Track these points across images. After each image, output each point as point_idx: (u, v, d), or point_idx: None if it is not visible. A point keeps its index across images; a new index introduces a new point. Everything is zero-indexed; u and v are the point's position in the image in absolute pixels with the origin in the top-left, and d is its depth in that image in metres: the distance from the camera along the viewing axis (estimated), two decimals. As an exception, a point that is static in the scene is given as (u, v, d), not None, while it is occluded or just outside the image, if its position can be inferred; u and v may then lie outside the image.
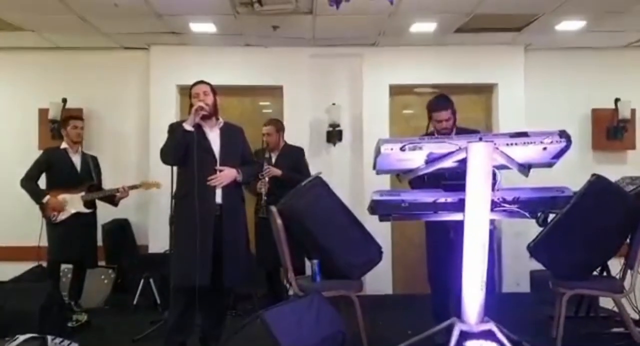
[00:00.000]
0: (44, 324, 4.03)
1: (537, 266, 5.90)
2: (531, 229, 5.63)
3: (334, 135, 6.24)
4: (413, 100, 6.55)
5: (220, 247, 3.81)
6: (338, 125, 6.23)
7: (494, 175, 3.45)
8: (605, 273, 4.38)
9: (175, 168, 4.05)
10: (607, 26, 5.53)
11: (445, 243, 4.03)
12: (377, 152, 3.34)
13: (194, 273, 3.67)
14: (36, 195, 5.03)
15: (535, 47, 6.28)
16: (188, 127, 3.80)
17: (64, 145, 5.18)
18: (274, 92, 6.37)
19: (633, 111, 6.22)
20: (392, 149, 3.32)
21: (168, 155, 3.92)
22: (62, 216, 5.02)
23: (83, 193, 5.07)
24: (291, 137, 5.67)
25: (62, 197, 5.03)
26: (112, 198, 5.20)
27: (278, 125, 5.36)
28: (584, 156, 6.22)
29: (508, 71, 6.29)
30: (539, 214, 3.79)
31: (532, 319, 4.69)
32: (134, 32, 5.70)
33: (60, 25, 5.43)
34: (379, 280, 5.89)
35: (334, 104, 6.24)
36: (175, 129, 3.92)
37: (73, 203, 5.06)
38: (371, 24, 5.42)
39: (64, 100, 6.10)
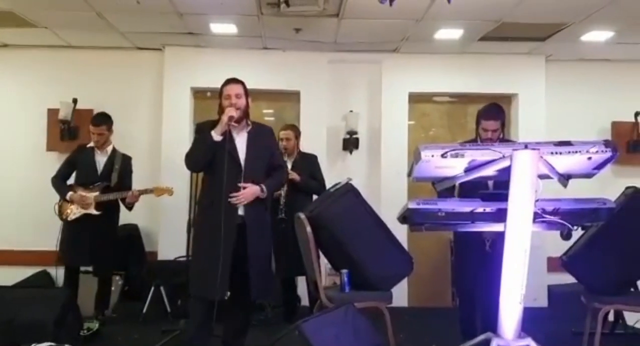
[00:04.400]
0: (59, 333, 3.91)
1: (555, 280, 5.88)
2: (548, 242, 5.59)
3: (350, 142, 6.13)
4: (431, 108, 6.48)
5: (245, 260, 3.65)
6: (355, 133, 6.13)
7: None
8: (632, 289, 4.27)
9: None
10: (634, 38, 5.48)
11: (477, 256, 3.94)
12: (417, 159, 3.22)
13: (211, 287, 3.53)
14: (61, 192, 4.90)
15: (556, 58, 6.21)
16: (217, 136, 3.62)
17: (91, 143, 5.02)
18: (291, 97, 6.26)
19: (654, 125, 6.16)
20: (432, 156, 3.20)
21: (194, 163, 3.77)
22: (73, 216, 4.85)
23: (97, 194, 4.87)
24: (307, 143, 5.56)
25: (80, 194, 4.88)
26: (124, 202, 5.01)
27: (296, 131, 5.30)
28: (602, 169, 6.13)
29: (529, 82, 6.22)
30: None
31: (555, 335, 4.53)
32: (150, 31, 5.58)
33: (75, 22, 5.30)
34: (395, 293, 5.76)
35: (351, 111, 6.14)
36: (202, 132, 3.75)
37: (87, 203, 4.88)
38: (397, 28, 5.32)
39: (75, 101, 5.92)
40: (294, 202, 4.83)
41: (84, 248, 4.84)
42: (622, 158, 6.24)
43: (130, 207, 5.04)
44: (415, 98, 6.29)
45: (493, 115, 4.09)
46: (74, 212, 4.86)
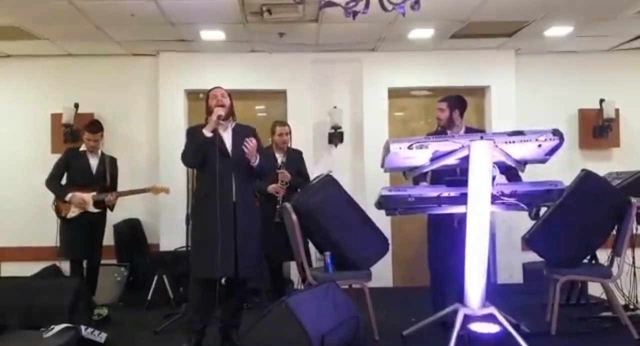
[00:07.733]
0: (73, 317, 4.29)
1: (529, 258, 6.26)
2: (522, 224, 5.95)
3: (335, 136, 6.51)
4: (410, 102, 6.86)
5: (235, 241, 4.00)
6: (339, 127, 6.51)
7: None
8: (594, 261, 4.71)
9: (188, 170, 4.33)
10: (593, 32, 5.87)
11: (447, 233, 4.28)
12: (387, 151, 3.61)
13: (217, 266, 3.88)
14: (60, 193, 5.24)
15: (525, 52, 6.61)
16: (208, 133, 4.01)
17: (83, 147, 5.37)
18: (278, 96, 6.63)
19: (617, 111, 6.56)
20: (400, 148, 3.60)
21: (191, 159, 4.13)
22: (73, 214, 5.22)
23: (94, 193, 5.25)
24: (295, 139, 5.92)
25: (80, 196, 5.23)
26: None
27: (289, 127, 5.59)
28: (571, 154, 6.52)
29: (500, 74, 6.60)
30: (533, 208, 4.13)
31: (526, 307, 4.90)
32: (144, 39, 5.94)
33: (75, 34, 5.67)
34: (380, 274, 6.11)
35: (335, 107, 6.50)
36: (193, 134, 4.13)
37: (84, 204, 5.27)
38: (372, 30, 5.71)
39: (76, 105, 6.32)
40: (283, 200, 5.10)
41: (82, 243, 5.23)
42: (589, 143, 6.69)
43: (111, 208, 5.40)
44: (395, 94, 6.66)
45: (442, 98, 4.65)
46: (72, 210, 5.22)
